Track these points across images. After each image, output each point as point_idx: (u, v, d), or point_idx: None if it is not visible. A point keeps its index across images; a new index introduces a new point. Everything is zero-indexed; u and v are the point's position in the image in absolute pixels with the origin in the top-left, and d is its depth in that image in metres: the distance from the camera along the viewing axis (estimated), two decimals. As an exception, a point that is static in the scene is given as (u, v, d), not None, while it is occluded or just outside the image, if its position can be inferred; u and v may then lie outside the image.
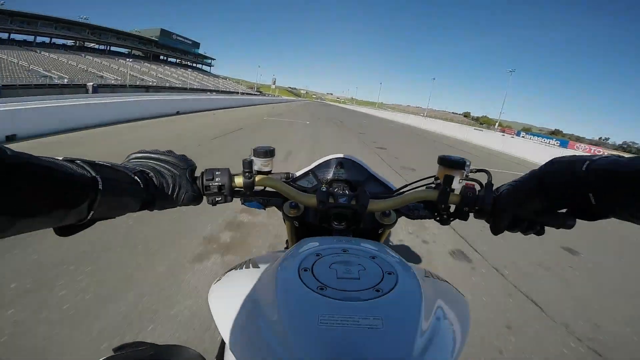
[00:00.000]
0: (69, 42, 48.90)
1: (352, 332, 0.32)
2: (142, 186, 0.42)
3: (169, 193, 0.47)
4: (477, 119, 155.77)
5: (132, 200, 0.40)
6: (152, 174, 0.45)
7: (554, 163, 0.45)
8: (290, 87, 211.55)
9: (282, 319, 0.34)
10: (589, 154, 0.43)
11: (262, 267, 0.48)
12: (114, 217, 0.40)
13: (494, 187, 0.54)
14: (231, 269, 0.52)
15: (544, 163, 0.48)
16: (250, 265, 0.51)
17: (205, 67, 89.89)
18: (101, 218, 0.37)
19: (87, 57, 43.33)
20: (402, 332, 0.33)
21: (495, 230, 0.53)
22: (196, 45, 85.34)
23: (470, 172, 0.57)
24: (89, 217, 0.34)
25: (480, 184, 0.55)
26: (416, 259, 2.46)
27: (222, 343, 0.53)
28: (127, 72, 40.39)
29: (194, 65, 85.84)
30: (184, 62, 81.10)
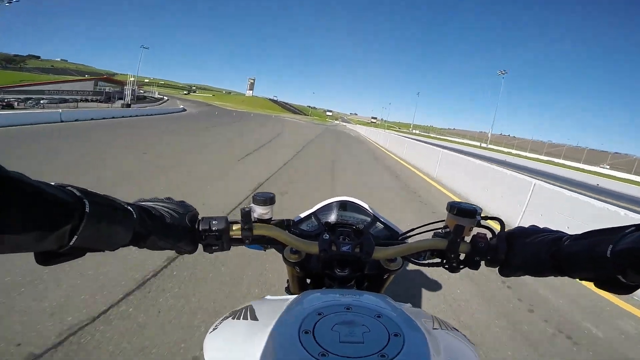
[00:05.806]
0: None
1: None
2: (135, 216, 0.41)
3: (164, 232, 0.46)
4: None
5: (122, 230, 0.39)
6: (149, 209, 0.45)
7: (571, 243, 0.43)
8: (309, 106, 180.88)
9: None
10: (608, 230, 0.41)
11: (261, 319, 0.46)
12: (103, 250, 0.38)
13: (506, 232, 0.51)
14: (228, 317, 0.49)
15: (559, 237, 0.46)
16: (248, 315, 0.48)
17: None
18: (87, 247, 0.35)
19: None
20: None
21: (504, 275, 0.52)
22: None
23: (482, 218, 0.55)
24: (71, 244, 0.32)
25: (492, 231, 0.53)
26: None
27: None
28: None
29: None
30: None
